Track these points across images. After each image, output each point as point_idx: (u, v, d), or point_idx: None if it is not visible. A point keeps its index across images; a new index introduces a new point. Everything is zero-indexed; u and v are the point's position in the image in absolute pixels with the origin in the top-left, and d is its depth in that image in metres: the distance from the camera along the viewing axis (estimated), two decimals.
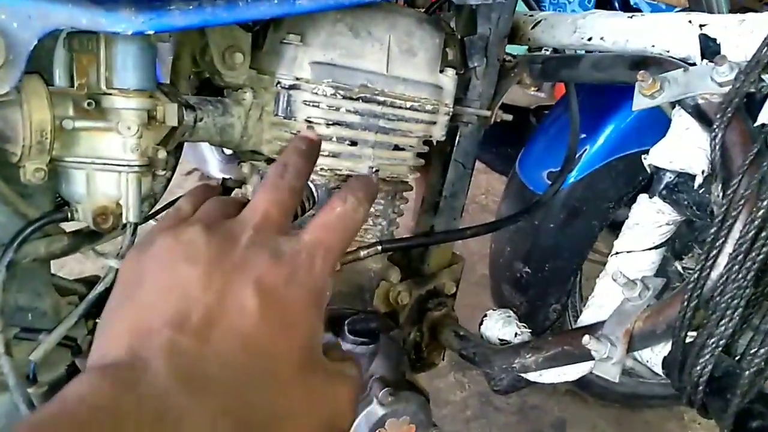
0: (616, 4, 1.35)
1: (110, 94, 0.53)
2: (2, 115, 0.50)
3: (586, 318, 0.75)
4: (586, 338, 0.64)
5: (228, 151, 1.66)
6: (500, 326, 0.84)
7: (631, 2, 1.36)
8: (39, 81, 0.51)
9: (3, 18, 0.45)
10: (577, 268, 1.23)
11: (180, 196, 0.46)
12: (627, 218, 0.76)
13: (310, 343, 0.37)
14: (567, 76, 0.85)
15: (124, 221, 0.57)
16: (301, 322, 0.36)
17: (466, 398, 1.55)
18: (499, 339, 0.84)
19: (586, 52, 0.85)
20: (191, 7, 0.49)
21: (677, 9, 1.32)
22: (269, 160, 0.71)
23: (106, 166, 0.54)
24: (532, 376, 0.77)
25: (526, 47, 0.97)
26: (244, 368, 0.33)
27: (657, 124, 0.73)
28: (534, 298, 1.22)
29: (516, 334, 0.82)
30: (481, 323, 0.88)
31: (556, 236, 1.14)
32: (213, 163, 1.92)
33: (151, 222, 0.63)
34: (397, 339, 0.82)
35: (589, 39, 0.78)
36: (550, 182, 1.07)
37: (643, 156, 0.72)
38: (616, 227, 0.82)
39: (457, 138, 0.86)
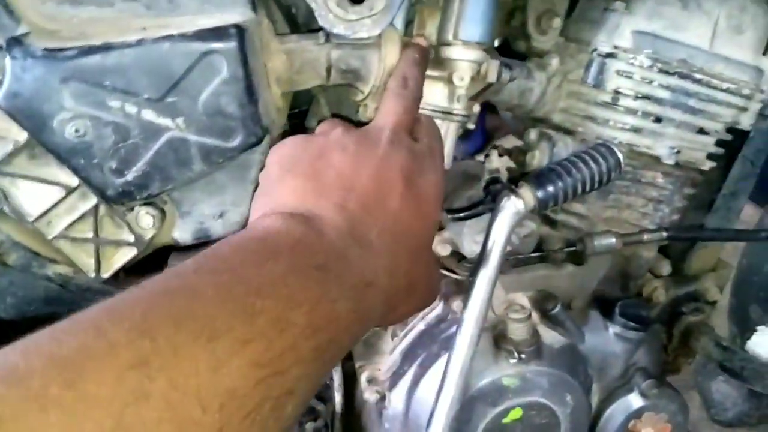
0: None
1: (451, 44, 0.56)
2: (362, 55, 0.55)
3: None
4: None
5: None
6: None
7: None
8: (394, 29, 0.56)
9: None
10: None
11: None
12: None
13: (433, 231, 0.45)
14: None
15: None
16: (431, 212, 0.43)
17: None
18: None
19: None
20: None
21: None
22: (557, 128, 0.70)
23: (433, 113, 0.58)
24: None
25: None
26: (394, 239, 0.39)
27: None
28: None
29: None
30: (747, 338, 0.79)
31: None
32: None
33: None
34: (659, 334, 0.77)
35: None
36: None
37: None
38: None
39: (751, 132, 0.77)
